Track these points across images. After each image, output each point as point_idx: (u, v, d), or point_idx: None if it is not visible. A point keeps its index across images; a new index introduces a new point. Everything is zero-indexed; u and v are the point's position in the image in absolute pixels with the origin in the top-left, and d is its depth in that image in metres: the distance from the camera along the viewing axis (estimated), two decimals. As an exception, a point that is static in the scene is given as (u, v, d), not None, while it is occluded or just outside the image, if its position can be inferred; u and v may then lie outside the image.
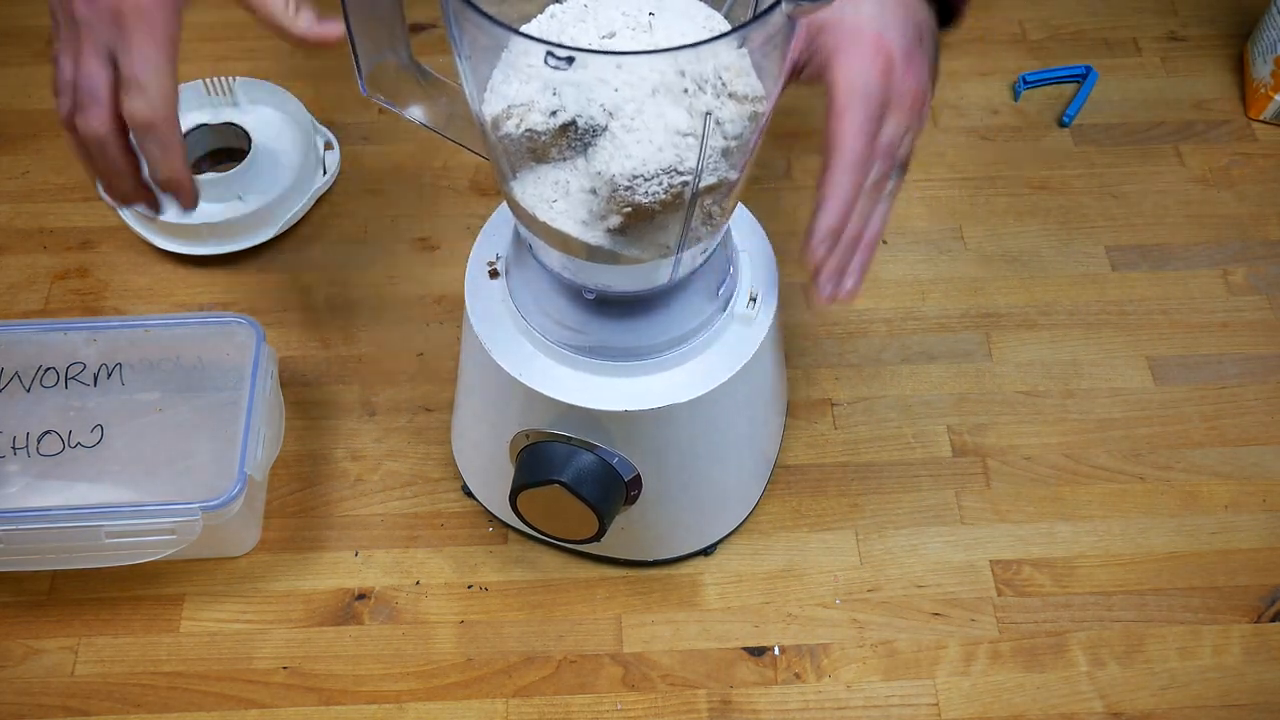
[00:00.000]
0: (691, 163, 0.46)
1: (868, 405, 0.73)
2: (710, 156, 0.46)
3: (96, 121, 0.51)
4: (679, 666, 0.63)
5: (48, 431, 0.63)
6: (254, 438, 0.63)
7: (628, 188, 0.46)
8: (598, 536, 0.58)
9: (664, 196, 0.46)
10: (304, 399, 0.73)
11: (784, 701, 0.62)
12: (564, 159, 0.47)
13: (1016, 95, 0.88)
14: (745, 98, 0.45)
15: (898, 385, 0.74)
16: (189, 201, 0.55)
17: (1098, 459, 0.71)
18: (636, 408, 0.55)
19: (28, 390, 0.65)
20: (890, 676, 0.63)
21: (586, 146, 0.46)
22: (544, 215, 0.49)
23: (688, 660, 0.63)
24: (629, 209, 0.47)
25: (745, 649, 0.64)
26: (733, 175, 0.48)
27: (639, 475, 0.58)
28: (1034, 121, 0.87)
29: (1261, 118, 0.87)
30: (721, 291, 0.57)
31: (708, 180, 0.47)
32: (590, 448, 0.57)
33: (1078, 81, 0.89)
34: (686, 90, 0.44)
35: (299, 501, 0.69)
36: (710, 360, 0.57)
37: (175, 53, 0.51)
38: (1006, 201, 0.83)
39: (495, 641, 0.64)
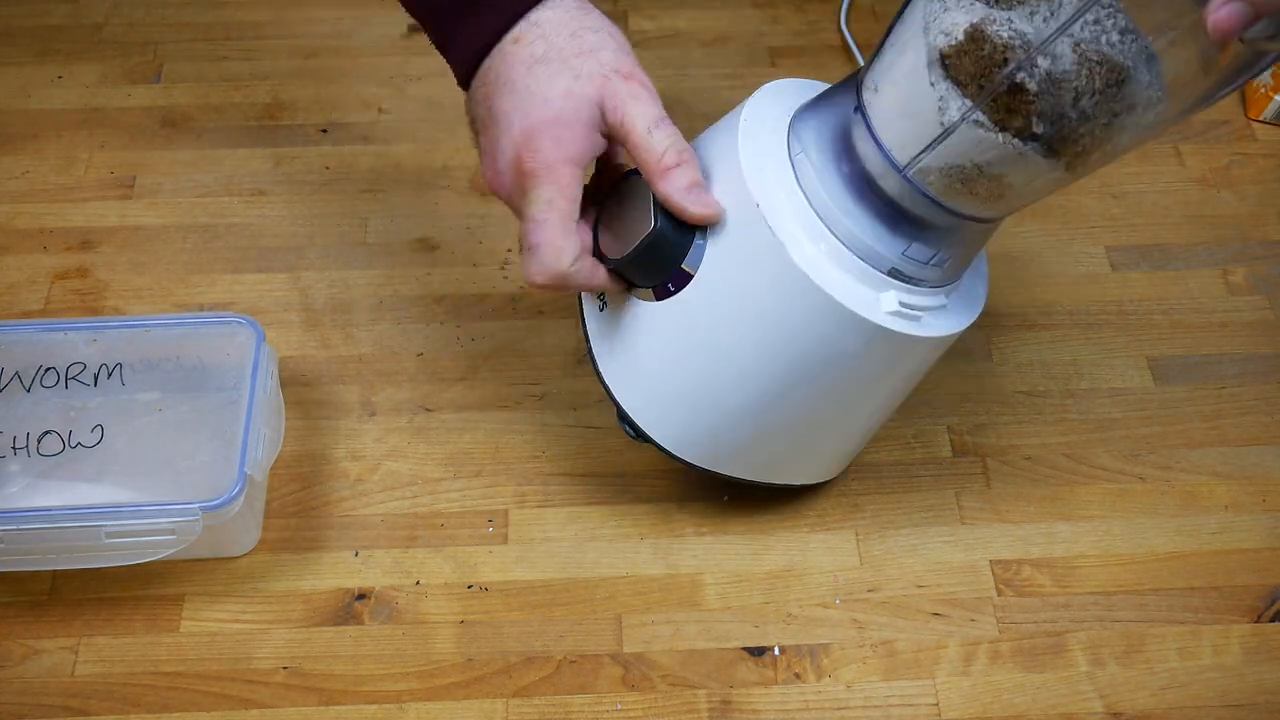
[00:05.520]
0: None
1: (868, 405, 0.73)
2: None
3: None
4: (679, 666, 0.63)
5: (48, 431, 0.63)
6: (254, 438, 0.63)
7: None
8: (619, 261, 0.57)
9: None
10: (304, 399, 0.73)
11: (784, 701, 0.62)
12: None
13: (1016, 95, 0.88)
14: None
15: (898, 385, 0.74)
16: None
17: (1098, 459, 0.71)
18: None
19: (28, 390, 0.65)
20: (890, 676, 0.63)
21: None
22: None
23: (688, 660, 0.63)
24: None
25: (745, 649, 0.64)
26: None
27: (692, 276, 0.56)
28: (1034, 121, 0.87)
29: (1261, 118, 0.87)
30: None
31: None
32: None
33: (1078, 81, 0.89)
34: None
35: (299, 501, 0.69)
36: (960, 299, 0.59)
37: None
38: (1006, 201, 0.82)
39: (495, 641, 0.64)
